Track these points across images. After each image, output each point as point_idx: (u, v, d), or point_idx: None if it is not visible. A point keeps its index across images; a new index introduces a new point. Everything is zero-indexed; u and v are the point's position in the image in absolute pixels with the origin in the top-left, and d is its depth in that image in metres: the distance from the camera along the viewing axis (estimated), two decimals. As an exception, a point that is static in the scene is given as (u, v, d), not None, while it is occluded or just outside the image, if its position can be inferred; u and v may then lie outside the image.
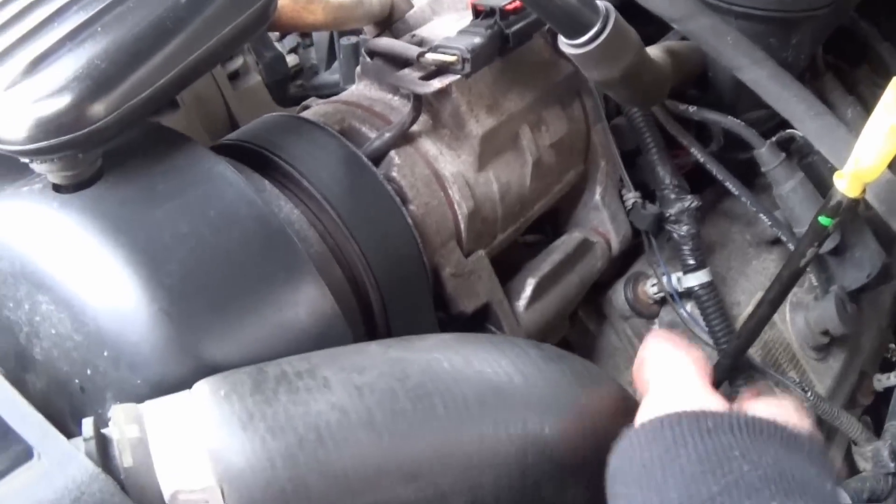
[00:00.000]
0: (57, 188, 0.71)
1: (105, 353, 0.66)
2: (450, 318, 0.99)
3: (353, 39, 1.24)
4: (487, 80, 1.01)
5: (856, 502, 1.14)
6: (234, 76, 1.31)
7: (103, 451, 0.56)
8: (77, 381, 0.68)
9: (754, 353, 1.17)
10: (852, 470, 1.26)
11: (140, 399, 0.63)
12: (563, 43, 0.89)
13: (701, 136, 1.25)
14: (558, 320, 1.14)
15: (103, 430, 0.58)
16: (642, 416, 0.68)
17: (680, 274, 1.17)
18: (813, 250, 0.98)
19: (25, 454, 0.54)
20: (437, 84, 0.92)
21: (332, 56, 1.50)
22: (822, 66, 1.47)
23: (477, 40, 0.93)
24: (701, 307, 1.16)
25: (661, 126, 1.21)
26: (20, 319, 0.71)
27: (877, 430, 1.26)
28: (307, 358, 0.65)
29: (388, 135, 0.95)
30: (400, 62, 0.98)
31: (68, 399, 0.69)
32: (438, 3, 1.10)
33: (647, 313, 1.21)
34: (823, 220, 0.94)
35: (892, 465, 1.18)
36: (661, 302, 1.21)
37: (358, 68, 1.04)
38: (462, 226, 0.98)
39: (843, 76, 1.54)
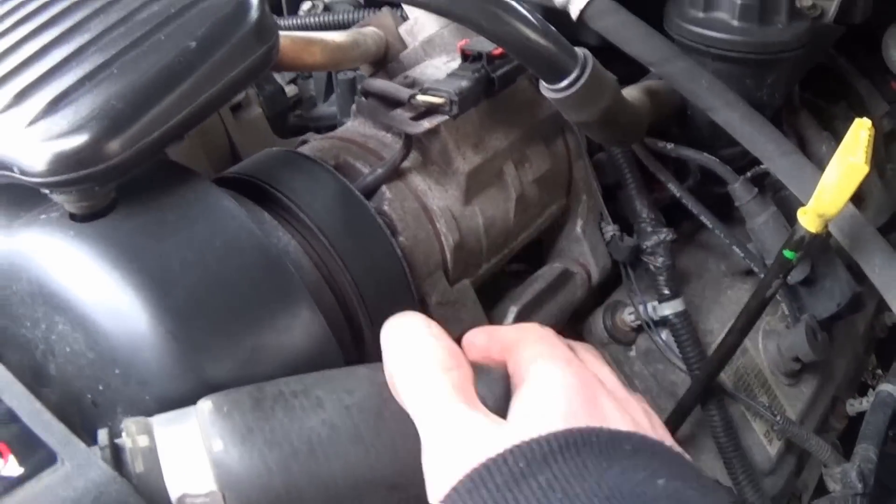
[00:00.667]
0: (73, 217, 0.74)
1: (116, 371, 0.69)
2: (436, 344, 1.02)
3: (350, 74, 1.28)
4: (474, 119, 1.04)
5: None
6: (236, 108, 1.32)
7: (117, 459, 0.60)
8: (89, 395, 0.71)
9: (726, 378, 1.21)
10: (823, 491, 1.28)
11: (148, 413, 0.66)
12: (544, 87, 0.93)
13: (680, 171, 1.29)
14: (540, 346, 1.17)
15: (116, 440, 0.62)
16: (433, 482, 0.59)
17: (656, 303, 1.21)
18: (778, 282, 1.02)
19: (49, 459, 0.58)
20: (426, 124, 0.95)
21: (329, 89, 1.54)
22: (797, 103, 1.51)
23: (464, 83, 0.96)
24: (675, 335, 1.20)
25: (641, 162, 1.25)
26: (36, 338, 0.73)
27: (848, 454, 1.29)
28: (302, 379, 0.69)
29: (380, 170, 0.97)
30: (393, 102, 1.01)
31: (80, 413, 0.72)
32: (430, 45, 1.14)
33: (624, 340, 1.25)
34: (788, 253, 0.98)
35: (859, 485, 1.20)
36: (638, 329, 1.25)
37: (354, 106, 1.07)
38: (448, 257, 1.01)
39: (819, 112, 1.57)
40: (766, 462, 1.26)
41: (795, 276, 1.24)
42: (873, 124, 0.89)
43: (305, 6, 1.60)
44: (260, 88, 1.40)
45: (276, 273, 0.77)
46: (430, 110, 0.97)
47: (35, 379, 0.74)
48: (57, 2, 0.84)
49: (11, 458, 0.58)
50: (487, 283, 1.12)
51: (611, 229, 1.23)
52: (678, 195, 1.23)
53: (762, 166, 1.13)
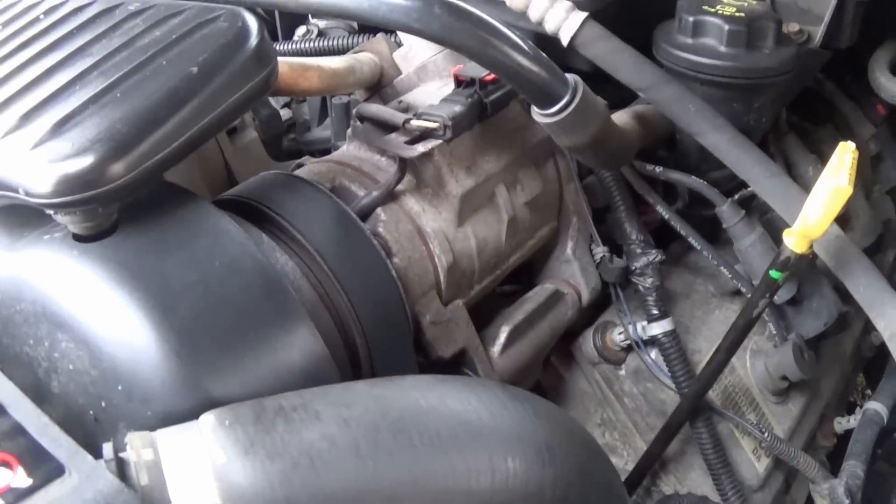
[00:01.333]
0: (77, 237, 0.75)
1: (119, 388, 0.70)
2: (429, 362, 1.03)
3: (345, 99, 1.29)
4: (467, 143, 1.06)
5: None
6: (232, 131, 1.33)
7: (122, 472, 0.61)
8: (92, 412, 0.72)
9: (714, 396, 1.23)
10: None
11: (150, 429, 0.67)
12: (536, 112, 0.95)
13: (669, 194, 1.31)
14: (531, 365, 1.18)
15: (121, 454, 0.63)
16: None
17: (645, 323, 1.23)
18: (765, 301, 1.04)
19: (57, 471, 0.59)
20: (420, 148, 0.97)
21: (323, 112, 1.56)
22: (784, 126, 1.53)
23: (458, 108, 0.98)
24: (664, 354, 1.22)
25: (630, 185, 1.27)
26: (39, 355, 0.75)
27: (836, 470, 1.31)
28: (301, 394, 0.70)
29: (375, 193, 0.99)
30: (387, 127, 1.02)
31: (82, 429, 0.72)
32: (424, 71, 1.16)
33: (614, 360, 1.27)
34: (774, 273, 1.00)
35: (847, 501, 1.23)
36: (628, 349, 1.27)
37: (349, 130, 1.08)
38: (441, 277, 1.02)
39: (806, 135, 1.59)
40: (754, 478, 1.27)
41: (782, 296, 1.26)
42: (860, 147, 0.91)
43: (300, 31, 1.62)
44: (256, 112, 1.41)
45: (275, 293, 0.79)
46: (424, 134, 0.99)
47: (37, 396, 0.74)
48: (61, 26, 0.86)
49: (20, 470, 0.59)
50: (480, 304, 1.13)
51: (601, 251, 1.25)
52: (667, 217, 1.25)
53: (749, 189, 1.15)
